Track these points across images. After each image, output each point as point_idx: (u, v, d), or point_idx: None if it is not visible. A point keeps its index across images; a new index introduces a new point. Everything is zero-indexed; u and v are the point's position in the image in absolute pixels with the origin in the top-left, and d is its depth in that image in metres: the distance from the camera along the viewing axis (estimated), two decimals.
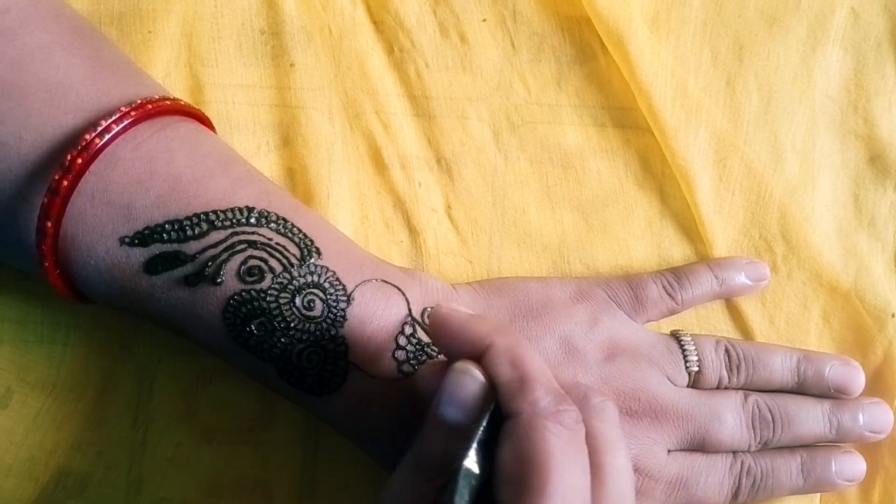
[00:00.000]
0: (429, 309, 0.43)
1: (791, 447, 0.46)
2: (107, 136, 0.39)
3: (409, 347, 0.42)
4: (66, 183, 0.38)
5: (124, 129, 0.40)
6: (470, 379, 0.35)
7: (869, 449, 0.47)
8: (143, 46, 0.49)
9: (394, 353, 0.41)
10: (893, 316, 0.48)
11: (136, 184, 0.40)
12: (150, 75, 0.47)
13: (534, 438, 0.33)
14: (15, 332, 0.47)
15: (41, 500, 0.45)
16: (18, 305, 0.47)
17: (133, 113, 0.40)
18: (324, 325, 0.41)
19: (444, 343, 0.37)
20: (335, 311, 0.41)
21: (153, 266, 0.40)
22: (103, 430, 0.46)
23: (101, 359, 0.47)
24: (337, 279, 0.41)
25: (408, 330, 0.42)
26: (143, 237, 0.40)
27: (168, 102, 0.42)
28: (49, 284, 0.41)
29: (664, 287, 0.47)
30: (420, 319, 0.42)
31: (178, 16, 0.49)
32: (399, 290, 0.43)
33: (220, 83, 0.49)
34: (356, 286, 0.42)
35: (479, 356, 0.35)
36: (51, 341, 0.47)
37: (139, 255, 0.40)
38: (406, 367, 0.41)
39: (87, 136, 0.39)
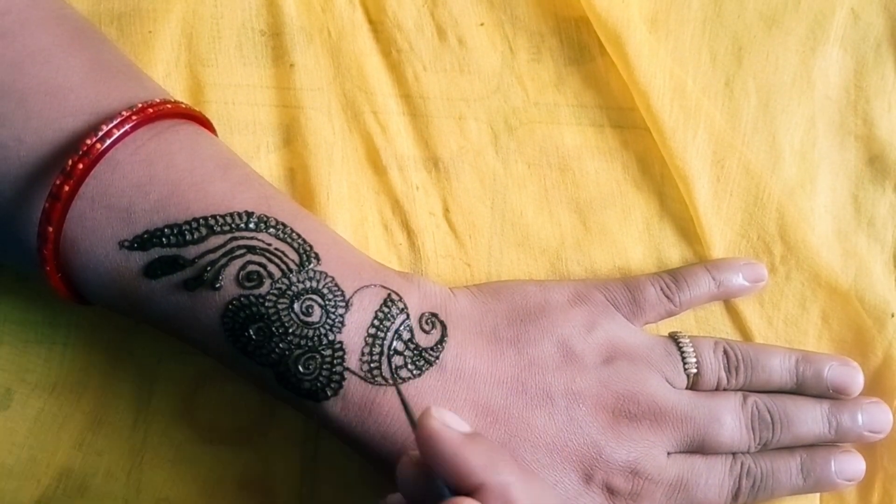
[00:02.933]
0: (427, 313, 0.43)
1: (790, 448, 0.46)
2: (108, 141, 0.39)
3: (406, 353, 0.42)
4: (67, 188, 0.38)
5: (125, 134, 0.40)
6: None
7: (868, 450, 0.47)
8: (144, 46, 0.49)
9: (391, 359, 0.41)
10: (893, 316, 0.48)
11: (135, 188, 0.40)
12: (151, 76, 0.47)
13: None
14: (15, 332, 0.47)
15: (43, 500, 0.46)
16: (19, 306, 0.47)
17: (134, 117, 0.40)
18: (322, 330, 0.41)
19: (431, 461, 0.34)
20: (333, 316, 0.41)
21: (152, 270, 0.40)
22: (104, 431, 0.46)
23: (101, 359, 0.47)
24: (335, 285, 0.41)
25: (406, 335, 0.42)
26: (142, 241, 0.40)
27: (169, 106, 0.42)
28: (50, 287, 0.41)
29: (662, 289, 0.47)
30: (419, 325, 0.42)
31: (178, 16, 0.49)
32: (398, 295, 0.43)
33: (219, 83, 0.49)
34: (354, 292, 0.42)
35: (467, 492, 0.32)
36: (51, 341, 0.47)
37: (138, 259, 0.40)
38: (404, 373, 0.41)
39: (89, 141, 0.39)
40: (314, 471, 0.46)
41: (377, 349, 0.41)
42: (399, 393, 0.37)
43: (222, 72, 0.49)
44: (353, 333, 0.41)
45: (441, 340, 0.43)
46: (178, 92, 0.49)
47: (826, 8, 0.50)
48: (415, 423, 0.35)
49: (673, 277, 0.47)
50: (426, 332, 0.42)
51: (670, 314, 0.47)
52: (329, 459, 0.46)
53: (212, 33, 0.49)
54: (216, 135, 0.46)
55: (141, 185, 0.40)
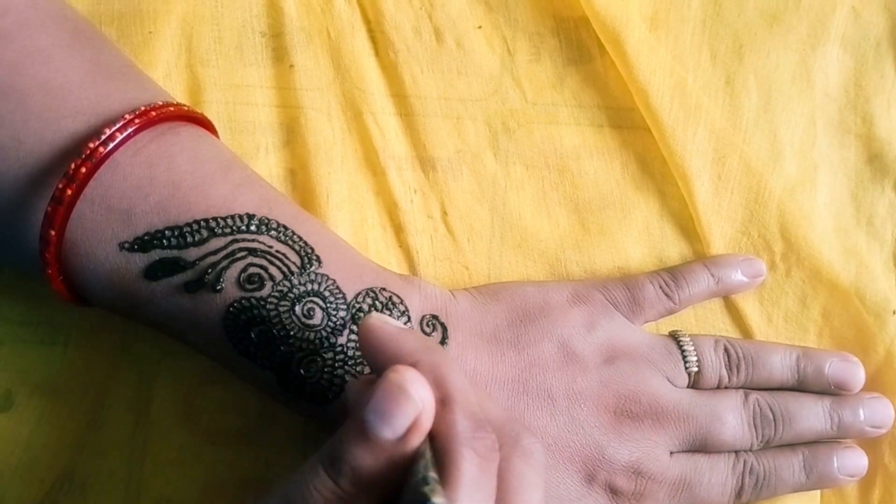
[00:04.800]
0: (428, 315, 0.43)
1: (792, 445, 0.46)
2: (111, 145, 0.39)
3: None
4: (70, 192, 0.38)
5: (128, 138, 0.39)
6: (407, 400, 0.32)
7: (869, 447, 0.47)
8: (144, 47, 0.49)
9: None
10: (894, 313, 0.48)
11: (135, 189, 0.40)
12: (151, 76, 0.46)
13: (445, 461, 0.32)
14: (16, 332, 0.47)
15: (46, 502, 0.46)
16: (19, 306, 0.47)
17: (137, 120, 0.40)
18: (323, 333, 0.41)
19: (371, 355, 0.36)
20: (335, 319, 0.41)
21: (153, 272, 0.40)
22: (105, 431, 0.46)
23: (102, 360, 0.47)
24: (337, 287, 0.41)
25: None
26: (142, 243, 0.40)
27: (171, 108, 0.41)
28: (51, 289, 0.41)
29: (661, 287, 0.47)
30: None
31: (178, 16, 0.49)
32: (399, 297, 0.43)
33: (219, 84, 0.49)
34: (356, 295, 0.42)
35: None
36: (51, 342, 0.47)
37: (139, 260, 0.40)
38: None
39: (91, 145, 0.38)
40: None
41: None
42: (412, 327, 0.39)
43: (222, 72, 0.49)
44: (355, 336, 0.41)
45: (442, 342, 0.43)
46: (178, 92, 0.49)
47: (827, 6, 0.50)
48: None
49: (672, 275, 0.47)
50: (427, 335, 0.42)
51: (670, 312, 0.47)
52: None
53: (212, 34, 0.49)
54: (217, 136, 0.46)
55: (141, 186, 0.40)
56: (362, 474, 0.32)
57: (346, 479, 0.32)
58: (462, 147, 0.49)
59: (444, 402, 0.33)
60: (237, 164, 0.44)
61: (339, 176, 0.48)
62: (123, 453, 0.46)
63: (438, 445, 0.33)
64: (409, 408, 0.32)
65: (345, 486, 0.32)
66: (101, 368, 0.47)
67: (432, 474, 0.31)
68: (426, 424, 0.32)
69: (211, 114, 0.48)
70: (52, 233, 0.39)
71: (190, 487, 0.46)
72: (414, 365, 0.33)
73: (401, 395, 0.32)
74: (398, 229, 0.49)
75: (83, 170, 0.38)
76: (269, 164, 0.49)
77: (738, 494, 0.45)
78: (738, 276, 0.48)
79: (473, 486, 0.32)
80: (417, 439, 0.32)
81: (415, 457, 0.32)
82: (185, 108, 0.43)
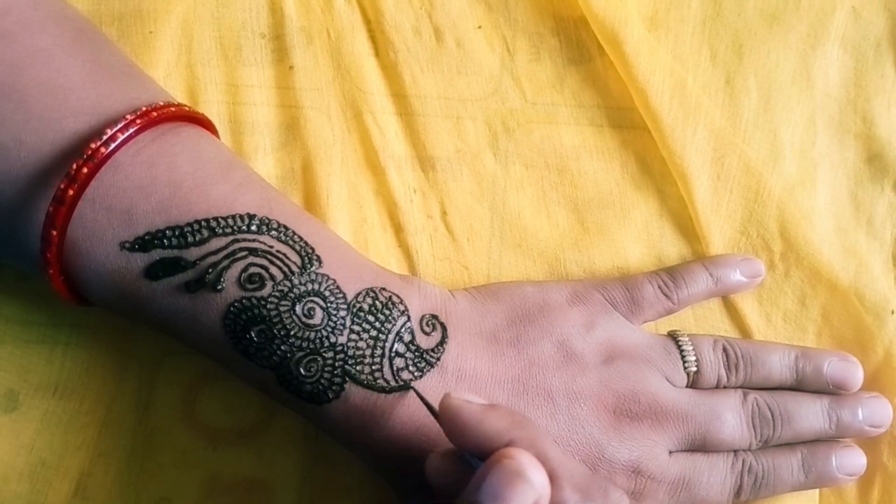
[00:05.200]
0: (428, 315, 0.43)
1: (791, 444, 0.46)
2: (112, 145, 0.39)
3: (408, 355, 0.42)
4: (71, 192, 0.38)
5: (129, 138, 0.39)
6: (527, 486, 0.32)
7: (868, 446, 0.47)
8: (144, 47, 0.49)
9: (392, 361, 0.41)
10: (893, 313, 0.48)
11: (136, 189, 0.40)
12: (151, 76, 0.46)
13: None
14: (17, 332, 0.47)
15: (48, 502, 0.46)
16: (20, 306, 0.47)
17: (138, 121, 0.40)
18: (323, 332, 0.41)
19: (459, 438, 0.36)
20: (335, 319, 0.41)
21: (153, 272, 0.40)
22: (107, 432, 0.46)
23: (103, 360, 0.47)
24: (337, 287, 0.41)
25: (407, 337, 0.42)
26: (143, 243, 0.40)
27: (173, 109, 0.41)
28: (52, 289, 0.41)
29: (660, 287, 0.47)
30: (419, 327, 0.43)
31: (178, 16, 0.49)
32: (399, 297, 0.43)
33: (220, 84, 0.49)
34: (356, 294, 0.42)
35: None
36: (53, 342, 0.47)
37: (139, 260, 0.40)
38: (405, 375, 0.41)
39: (93, 145, 0.38)
40: (314, 471, 0.46)
41: (378, 351, 0.41)
42: (416, 392, 0.40)
43: (222, 72, 0.49)
44: (355, 336, 0.41)
45: (442, 342, 0.43)
46: (178, 92, 0.49)
47: (827, 6, 0.50)
48: (436, 413, 0.37)
49: (671, 275, 0.47)
50: (427, 334, 0.43)
51: (669, 312, 0.47)
52: (329, 460, 0.46)
53: (212, 34, 0.49)
54: (218, 136, 0.46)
55: (142, 186, 0.40)
56: None
57: None
58: (462, 147, 0.49)
59: (551, 479, 0.33)
60: (238, 165, 0.44)
61: (339, 176, 0.48)
62: (124, 453, 0.46)
63: None
64: (529, 492, 0.32)
65: None
66: (102, 369, 0.47)
67: None
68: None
69: (211, 114, 0.48)
70: (54, 233, 0.39)
71: (190, 487, 0.46)
72: (510, 443, 0.34)
73: (519, 481, 0.32)
74: (398, 229, 0.49)
75: (85, 170, 0.38)
76: (268, 164, 0.49)
77: (738, 493, 0.45)
78: (737, 276, 0.48)
79: None
80: None
81: None
82: (187, 109, 0.43)
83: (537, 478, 0.32)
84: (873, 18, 0.50)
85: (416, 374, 0.42)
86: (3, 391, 0.46)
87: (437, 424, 0.38)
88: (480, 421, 0.35)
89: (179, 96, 0.49)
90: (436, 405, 0.38)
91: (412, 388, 0.41)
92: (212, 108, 0.49)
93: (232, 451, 0.46)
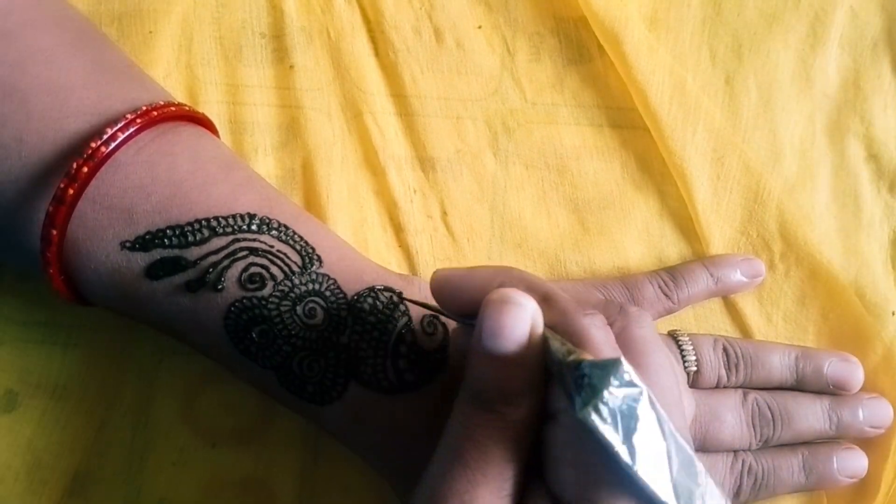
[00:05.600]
0: (428, 316, 0.43)
1: (792, 445, 0.46)
2: (112, 145, 0.39)
3: (410, 355, 0.41)
4: (71, 192, 0.38)
5: (129, 137, 0.39)
6: (517, 308, 0.33)
7: (868, 447, 0.47)
8: (144, 47, 0.49)
9: (394, 362, 0.41)
10: (894, 314, 0.48)
11: (137, 189, 0.40)
12: (151, 76, 0.47)
13: (573, 339, 0.33)
14: (16, 332, 0.47)
15: (49, 503, 0.46)
16: (20, 306, 0.47)
17: (139, 120, 0.40)
18: (325, 333, 0.40)
19: (452, 300, 0.37)
20: (336, 319, 0.41)
21: (154, 271, 0.40)
22: (105, 431, 0.46)
23: (102, 360, 0.47)
24: (338, 287, 0.41)
25: (408, 338, 0.42)
26: (144, 242, 0.40)
27: (173, 108, 0.42)
28: (52, 288, 0.41)
29: (660, 287, 0.47)
30: (421, 327, 0.43)
31: (178, 16, 0.49)
32: (399, 297, 0.43)
33: (220, 84, 0.49)
34: (357, 294, 0.42)
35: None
36: (52, 342, 0.47)
37: (140, 259, 0.40)
38: (408, 376, 0.41)
39: (93, 145, 0.38)
40: (314, 472, 0.46)
41: (381, 352, 0.41)
42: (412, 301, 0.41)
43: (222, 72, 0.49)
44: (357, 336, 0.41)
45: (443, 342, 0.43)
46: (178, 92, 0.49)
47: (826, 6, 0.50)
48: (432, 307, 0.40)
49: (671, 275, 0.47)
50: (428, 335, 0.42)
51: (669, 312, 0.47)
52: (329, 460, 0.46)
53: (212, 34, 0.50)
54: (219, 136, 0.46)
55: (143, 186, 0.40)
56: (511, 391, 0.34)
57: (501, 403, 0.33)
58: (462, 147, 0.49)
59: (545, 299, 0.35)
60: (238, 164, 0.44)
61: (339, 176, 0.48)
62: (124, 453, 0.46)
63: (559, 330, 0.34)
64: (522, 313, 0.33)
65: (503, 410, 0.34)
66: (102, 369, 0.47)
67: (570, 346, 0.32)
68: (540, 322, 0.34)
69: (211, 114, 0.48)
70: (54, 232, 0.39)
71: (190, 488, 0.46)
72: (500, 285, 0.35)
73: (507, 307, 0.33)
74: (398, 229, 0.49)
75: (85, 169, 0.38)
76: (268, 164, 0.49)
77: (737, 494, 0.45)
78: (737, 276, 0.48)
79: (608, 346, 0.34)
80: (538, 338, 0.34)
81: (545, 350, 0.33)
82: (187, 108, 0.43)
83: (523, 299, 0.34)
84: (870, 19, 0.50)
85: (418, 374, 0.41)
86: (2, 391, 0.46)
87: (439, 427, 0.38)
88: (467, 277, 0.37)
89: (179, 96, 0.49)
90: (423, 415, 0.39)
91: (403, 297, 0.42)
92: (212, 108, 0.49)
93: (231, 450, 0.46)
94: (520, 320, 0.33)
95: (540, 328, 0.34)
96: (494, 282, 0.36)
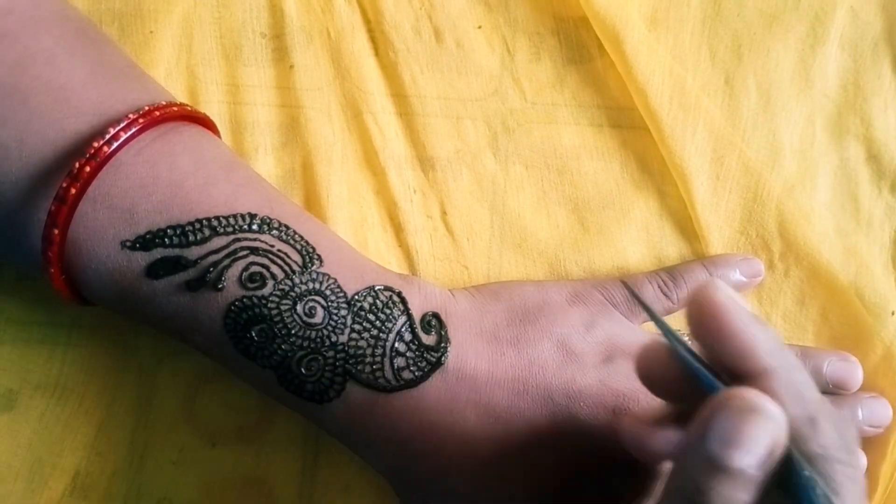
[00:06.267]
0: (429, 314, 0.43)
1: None
2: (115, 144, 0.39)
3: (409, 354, 0.42)
4: (73, 192, 0.38)
5: (132, 137, 0.40)
6: (765, 421, 0.29)
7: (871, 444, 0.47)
8: (145, 46, 0.49)
9: (393, 360, 0.41)
10: (893, 314, 0.48)
11: (138, 188, 0.40)
12: (152, 76, 0.47)
13: (832, 487, 0.30)
14: (17, 332, 0.47)
15: (50, 502, 0.46)
16: (20, 305, 0.47)
17: (141, 120, 0.40)
18: (324, 332, 0.41)
19: (707, 338, 0.32)
20: (336, 318, 0.41)
21: (154, 271, 0.40)
22: (106, 431, 0.46)
23: (103, 360, 0.47)
24: (338, 286, 0.41)
25: (407, 336, 0.42)
26: (144, 241, 0.40)
27: (175, 108, 0.42)
28: (53, 288, 0.41)
29: (659, 286, 0.47)
30: (420, 326, 0.43)
31: (179, 16, 0.49)
32: (399, 296, 0.43)
33: (220, 83, 0.49)
34: (357, 293, 0.42)
35: (748, 377, 0.31)
36: (53, 342, 0.47)
37: (140, 259, 0.40)
38: (406, 374, 0.41)
39: (96, 144, 0.39)
40: (314, 471, 0.46)
41: (379, 350, 0.41)
42: (628, 288, 0.40)
43: (223, 72, 0.49)
44: (356, 335, 0.41)
45: (442, 341, 0.43)
46: (178, 92, 0.49)
47: (826, 6, 0.50)
48: (653, 314, 0.34)
49: (670, 275, 0.47)
50: (427, 334, 0.43)
51: (668, 312, 0.47)
52: (329, 459, 0.46)
53: (212, 34, 0.50)
54: (220, 136, 0.46)
55: (144, 185, 0.40)
56: None
57: None
58: (461, 147, 0.49)
59: (812, 422, 0.30)
60: (239, 164, 0.44)
61: (339, 176, 0.48)
62: (124, 453, 0.46)
63: (817, 469, 0.30)
64: (768, 428, 0.29)
65: None
66: (102, 368, 0.47)
67: (831, 496, 0.29)
68: (783, 441, 0.29)
69: (211, 113, 0.48)
70: (56, 232, 0.39)
71: (190, 487, 0.46)
72: (763, 373, 0.31)
73: (755, 417, 0.29)
74: (398, 229, 0.49)
75: (87, 169, 0.38)
76: (268, 164, 0.49)
77: None
78: (736, 276, 0.48)
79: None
80: (778, 456, 0.29)
81: (793, 479, 0.29)
82: (189, 108, 0.43)
83: (775, 410, 0.29)
84: (871, 19, 0.50)
85: (416, 373, 0.42)
86: (2, 391, 0.46)
87: (439, 427, 0.38)
88: (745, 328, 0.31)
89: (180, 96, 0.49)
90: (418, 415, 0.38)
91: (625, 284, 0.40)
92: (212, 108, 0.49)
93: (231, 450, 0.46)
94: (763, 434, 0.28)
95: (780, 449, 0.29)
96: (763, 361, 0.31)
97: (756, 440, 0.28)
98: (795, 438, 0.30)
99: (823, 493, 0.28)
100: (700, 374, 0.31)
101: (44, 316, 0.47)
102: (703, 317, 0.32)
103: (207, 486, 0.46)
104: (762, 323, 0.32)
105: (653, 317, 0.34)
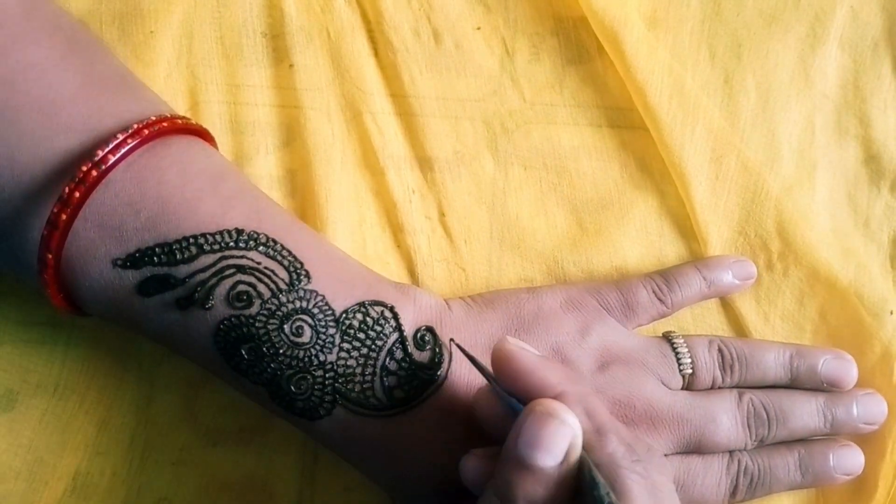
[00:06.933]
0: (422, 329, 0.43)
1: (788, 443, 0.46)
2: (103, 167, 0.39)
3: (399, 372, 0.42)
4: (64, 217, 0.38)
5: (121, 159, 0.39)
6: (561, 425, 0.34)
7: (867, 443, 0.47)
8: (145, 47, 0.49)
9: (384, 379, 0.41)
10: (892, 314, 0.48)
11: (126, 206, 0.40)
12: (152, 76, 0.47)
13: (616, 488, 0.34)
14: (17, 332, 0.47)
15: (49, 502, 0.46)
16: (20, 306, 0.48)
17: (129, 140, 0.39)
18: (312, 351, 0.41)
19: (510, 383, 0.38)
20: (324, 337, 0.41)
21: (145, 288, 0.40)
22: (106, 431, 0.46)
23: (103, 360, 0.47)
24: (326, 304, 0.41)
25: (399, 354, 0.42)
26: (134, 260, 0.40)
27: (165, 125, 0.41)
28: (51, 305, 0.41)
29: (653, 291, 0.47)
30: (413, 341, 0.42)
31: (179, 16, 0.49)
32: (392, 312, 0.43)
33: (220, 83, 0.49)
34: (345, 311, 0.42)
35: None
36: (53, 342, 0.47)
37: (132, 277, 0.40)
38: (398, 394, 0.41)
39: (84, 168, 0.38)
40: (314, 472, 0.47)
41: (369, 370, 0.41)
42: (460, 348, 0.41)
43: (223, 72, 0.49)
44: (345, 354, 0.41)
45: (436, 357, 0.43)
46: (178, 92, 0.49)
47: (826, 6, 0.50)
48: (482, 368, 0.39)
49: (664, 279, 0.47)
50: (421, 350, 0.43)
51: (663, 316, 0.47)
52: (329, 460, 0.47)
53: (213, 34, 0.50)
54: (214, 143, 0.46)
55: (132, 203, 0.40)
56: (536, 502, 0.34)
57: None
58: (460, 148, 0.49)
59: (599, 432, 0.36)
60: (229, 175, 0.44)
61: (339, 176, 0.48)
62: (125, 453, 0.46)
63: (604, 472, 0.34)
64: (564, 431, 0.34)
65: None
66: (102, 369, 0.47)
67: (613, 497, 0.33)
68: (579, 446, 0.35)
69: (211, 113, 0.48)
70: (49, 256, 0.39)
71: (189, 488, 0.46)
72: (560, 394, 0.36)
73: (553, 422, 0.34)
74: (397, 229, 0.49)
75: (77, 194, 0.38)
76: (268, 165, 0.49)
77: (733, 494, 0.45)
78: (729, 279, 0.48)
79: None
80: (574, 459, 0.35)
81: (584, 481, 0.34)
82: (179, 122, 0.42)
83: (570, 418, 0.35)
84: (871, 19, 0.50)
85: (409, 391, 0.42)
86: (2, 391, 0.47)
87: (433, 443, 0.39)
88: (534, 369, 0.37)
89: (180, 96, 0.49)
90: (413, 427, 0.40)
91: (453, 342, 0.42)
92: (212, 108, 0.49)
93: (232, 450, 0.47)
94: (560, 437, 0.34)
95: (578, 451, 0.35)
96: (555, 388, 0.36)
97: (554, 442, 0.34)
98: (586, 447, 0.35)
99: (607, 493, 0.33)
100: (515, 406, 0.37)
101: (44, 316, 0.47)
102: (501, 365, 0.38)
103: (207, 486, 0.46)
104: (551, 361, 0.39)
105: (474, 363, 0.40)
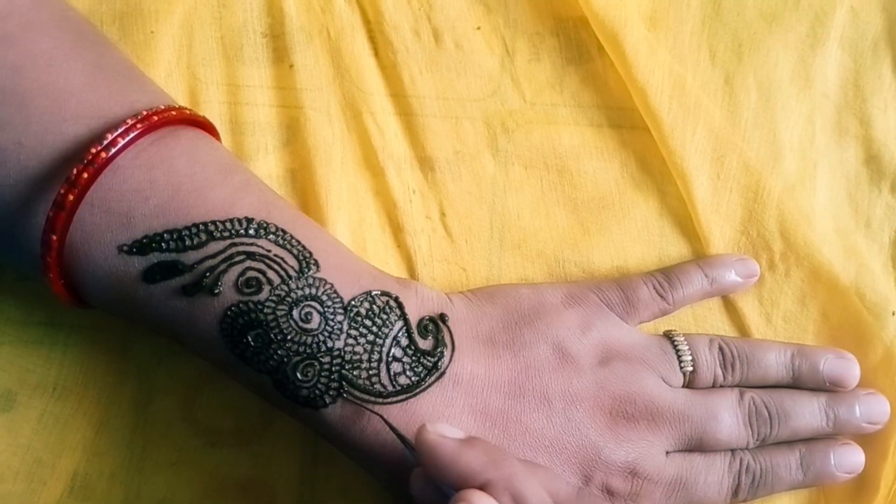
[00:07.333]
0: (426, 319, 0.43)
1: (789, 442, 0.46)
2: (112, 150, 0.39)
3: (405, 359, 0.42)
4: (71, 198, 0.38)
5: (130, 142, 0.39)
6: None
7: (867, 443, 0.47)
8: (145, 47, 0.49)
9: (390, 366, 0.41)
10: (894, 314, 0.48)
11: (135, 192, 0.40)
12: (152, 76, 0.47)
13: None
14: (16, 332, 0.47)
15: (50, 503, 0.46)
16: (19, 306, 0.48)
17: (139, 125, 0.40)
18: (320, 337, 0.41)
19: (435, 473, 0.37)
20: (332, 323, 0.41)
21: (151, 275, 0.40)
22: (105, 432, 0.46)
23: (102, 360, 0.47)
24: (334, 291, 0.41)
25: (404, 342, 0.42)
26: (141, 246, 0.40)
27: (174, 113, 0.41)
28: (51, 292, 0.41)
29: (655, 288, 0.47)
30: (417, 331, 0.43)
31: (179, 16, 0.49)
32: (396, 301, 0.43)
33: (220, 83, 0.49)
34: (353, 298, 0.42)
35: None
36: (52, 342, 0.47)
37: (137, 263, 0.40)
38: (403, 380, 0.41)
39: (94, 150, 0.38)
40: (314, 472, 0.47)
41: (375, 356, 0.41)
42: (386, 421, 0.40)
43: (223, 72, 0.49)
44: (352, 340, 0.41)
45: (439, 346, 0.43)
46: (178, 92, 0.49)
47: (826, 6, 0.50)
48: (408, 444, 0.38)
49: (666, 276, 0.47)
50: (424, 339, 0.43)
51: (664, 313, 0.47)
52: (329, 460, 0.46)
53: (213, 34, 0.50)
54: (219, 138, 0.46)
55: (141, 189, 0.40)
56: None
57: None
58: (461, 147, 0.49)
59: None
60: (237, 168, 0.44)
61: (339, 176, 0.48)
62: (123, 454, 0.46)
63: None
64: None
65: None
66: (101, 369, 0.47)
67: None
68: None
69: (211, 114, 0.48)
70: (54, 237, 0.39)
71: (189, 488, 0.46)
72: (486, 484, 0.35)
73: None
74: (397, 229, 0.49)
75: (85, 175, 0.38)
76: (268, 164, 0.49)
77: (735, 493, 0.45)
78: (731, 277, 0.48)
79: None
80: None
81: None
82: (187, 112, 0.43)
83: None
84: (871, 19, 0.50)
85: (413, 378, 0.42)
86: (1, 391, 0.47)
87: None
88: (456, 459, 0.36)
89: (180, 96, 0.49)
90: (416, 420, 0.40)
91: (382, 418, 0.41)
92: (212, 108, 0.49)
93: (231, 450, 0.47)
94: None
95: None
96: (480, 477, 0.35)
97: None
98: None
99: None
100: (447, 492, 0.36)
101: (43, 316, 0.47)
102: (423, 455, 0.37)
103: (206, 486, 0.46)
104: (474, 445, 0.37)
105: (407, 446, 0.40)
